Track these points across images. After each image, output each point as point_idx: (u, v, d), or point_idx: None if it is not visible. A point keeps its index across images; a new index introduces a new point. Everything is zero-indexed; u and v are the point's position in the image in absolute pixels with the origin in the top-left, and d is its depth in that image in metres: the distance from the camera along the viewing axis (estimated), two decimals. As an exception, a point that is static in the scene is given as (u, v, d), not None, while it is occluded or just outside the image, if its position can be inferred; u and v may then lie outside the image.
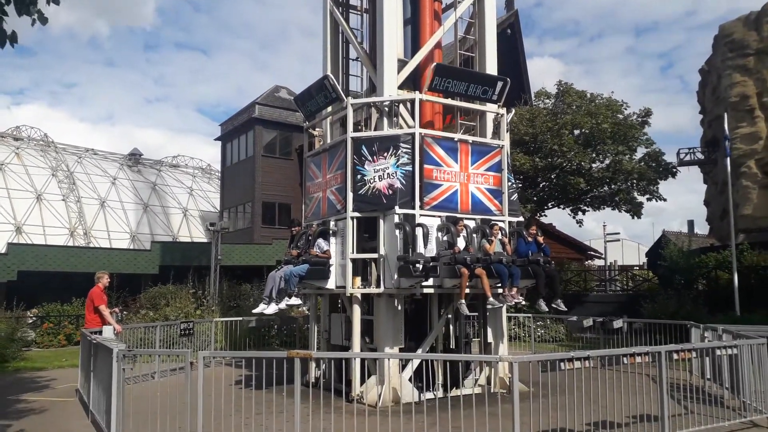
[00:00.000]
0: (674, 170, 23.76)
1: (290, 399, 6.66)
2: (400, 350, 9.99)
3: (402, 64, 11.00)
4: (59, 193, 33.72)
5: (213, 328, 14.67)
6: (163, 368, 11.65)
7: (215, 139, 35.30)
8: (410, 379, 9.85)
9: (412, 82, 11.32)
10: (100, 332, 9.70)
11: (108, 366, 7.27)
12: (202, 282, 20.14)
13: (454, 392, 9.89)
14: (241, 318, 15.19)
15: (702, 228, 43.24)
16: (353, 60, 12.72)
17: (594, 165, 23.04)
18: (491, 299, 9.76)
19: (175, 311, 17.06)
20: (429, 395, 9.53)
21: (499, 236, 10.22)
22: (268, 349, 14.42)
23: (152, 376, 11.19)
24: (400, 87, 10.85)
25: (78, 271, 22.76)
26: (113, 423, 6.96)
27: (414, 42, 11.54)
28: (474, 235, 10.24)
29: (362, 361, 10.04)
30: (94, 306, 10.63)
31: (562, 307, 10.84)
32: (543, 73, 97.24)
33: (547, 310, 11.14)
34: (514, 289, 9.96)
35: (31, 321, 18.32)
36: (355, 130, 10.78)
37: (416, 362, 9.84)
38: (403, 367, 9.94)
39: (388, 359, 9.46)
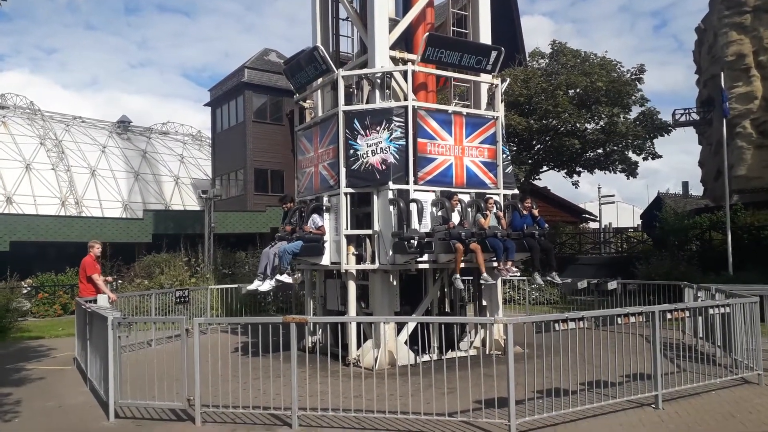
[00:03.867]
0: (669, 128, 23.70)
1: (287, 364, 6.68)
2: (396, 314, 10.02)
3: (393, 23, 10.76)
4: (48, 163, 33.31)
5: (208, 296, 14.69)
6: (159, 336, 11.71)
7: (204, 105, 34.79)
8: (406, 343, 9.92)
9: (404, 42, 11.09)
10: (95, 301, 9.67)
11: (104, 334, 7.27)
12: (196, 250, 20.08)
13: (450, 354, 9.97)
14: (236, 285, 15.20)
15: (696, 189, 43.40)
16: (344, 20, 12.41)
17: (589, 126, 22.92)
18: (484, 275, 9.73)
19: (170, 279, 17.05)
20: (425, 358, 9.62)
21: (494, 210, 10.15)
22: (265, 315, 14.48)
23: (149, 344, 11.24)
24: (392, 47, 10.62)
25: (70, 241, 22.65)
26: (111, 390, 7.00)
27: (405, 0, 11.24)
28: (469, 210, 10.16)
29: (358, 325, 10.09)
30: (86, 275, 10.57)
31: (557, 280, 10.88)
32: (534, 32, 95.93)
33: (541, 283, 11.23)
34: (509, 263, 9.94)
35: (26, 291, 18.28)
36: (347, 94, 10.57)
37: (412, 326, 9.89)
38: (399, 330, 9.99)
39: (384, 323, 9.50)
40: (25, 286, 18.70)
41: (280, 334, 6.93)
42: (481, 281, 9.97)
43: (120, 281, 17.37)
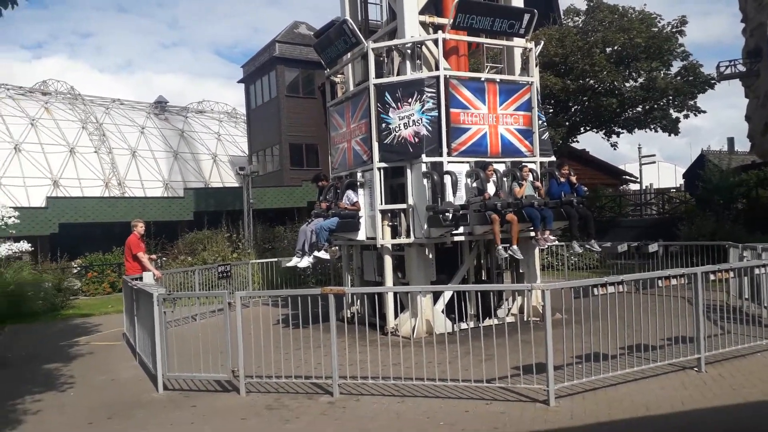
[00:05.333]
0: (713, 82, 22.68)
1: (327, 334, 6.82)
2: (432, 283, 10.06)
3: (423, -13, 10.52)
4: (91, 146, 34.22)
5: (250, 270, 15.02)
6: (203, 310, 12.07)
7: (238, 82, 35.03)
8: (443, 311, 9.97)
9: (433, 6, 10.87)
10: (141, 278, 10.01)
11: (150, 310, 7.53)
12: (236, 226, 20.50)
13: (487, 322, 10.00)
14: (276, 259, 15.49)
15: (742, 145, 41.70)
16: (372, -14, 12.24)
17: (627, 84, 22.15)
18: (514, 247, 9.60)
19: (213, 255, 17.50)
20: (462, 326, 9.67)
21: (530, 178, 9.98)
22: (304, 288, 14.74)
23: (193, 318, 11.59)
24: (421, 12, 10.43)
25: (115, 221, 23.42)
26: (159, 363, 7.29)
27: (434, -37, 10.98)
28: (504, 179, 10.01)
29: (395, 295, 10.18)
30: (132, 254, 10.91)
31: (596, 248, 10.70)
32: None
33: (580, 251, 11.06)
34: (547, 232, 9.82)
35: (75, 271, 19.04)
36: (377, 63, 10.46)
37: (448, 294, 9.92)
38: (436, 299, 10.04)
39: (421, 293, 9.56)
40: (75, 266, 19.48)
41: (319, 305, 7.08)
42: (510, 252, 9.80)
43: (164, 259, 17.91)
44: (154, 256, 12.78)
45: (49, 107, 35.38)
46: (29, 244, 16.74)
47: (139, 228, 11.18)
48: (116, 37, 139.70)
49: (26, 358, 9.74)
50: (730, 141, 44.49)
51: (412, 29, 10.18)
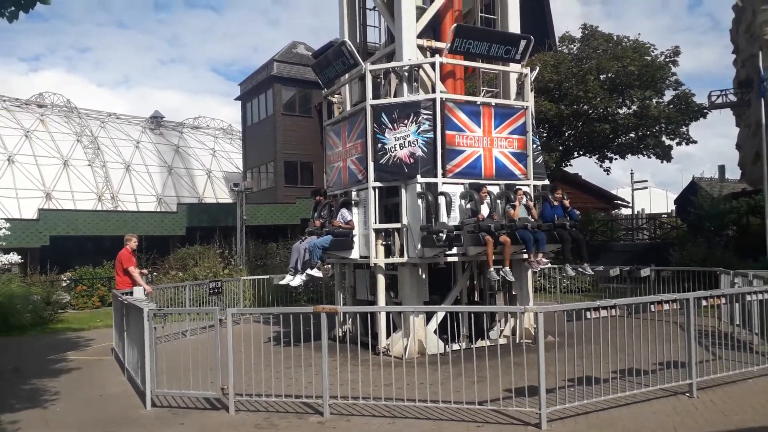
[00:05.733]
0: (705, 112, 22.98)
1: (318, 353, 6.78)
2: (425, 303, 10.04)
3: (421, 11, 10.67)
4: (85, 159, 34.15)
5: (241, 287, 14.94)
6: (193, 326, 11.97)
7: (235, 99, 35.18)
8: (435, 332, 9.93)
9: (431, 30, 11.01)
10: (131, 293, 9.93)
11: (140, 325, 7.47)
12: (229, 242, 20.41)
13: (480, 343, 9.96)
14: (268, 276, 15.42)
15: (733, 173, 42.15)
16: (371, 10, 12.40)
17: (620, 111, 22.41)
18: (506, 269, 9.64)
19: (204, 271, 17.39)
20: (455, 347, 9.63)
21: (524, 201, 10.04)
22: (296, 306, 14.66)
23: (183, 334, 11.49)
24: (419, 36, 10.56)
25: (107, 235, 23.27)
26: (148, 379, 7.20)
27: (432, -12, 11.15)
28: (498, 201, 10.07)
29: (388, 314, 10.14)
30: (123, 268, 10.84)
31: (589, 271, 10.75)
32: (562, 15, 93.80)
33: (573, 274, 11.11)
34: (540, 255, 9.84)
35: (65, 284, 18.85)
36: (374, 85, 10.56)
37: (441, 315, 9.90)
38: (428, 319, 10.00)
39: (414, 313, 9.53)
40: (65, 279, 19.30)
41: (311, 323, 7.04)
42: (501, 273, 9.80)
43: (155, 273, 17.79)
44: (145, 271, 12.70)
45: (44, 119, 35.35)
46: (19, 256, 16.59)
47: (132, 243, 11.13)
48: (115, 52, 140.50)
49: (13, 372, 9.59)
50: (721, 169, 44.98)
51: (410, 52, 10.30)
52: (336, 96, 12.13)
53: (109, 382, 8.73)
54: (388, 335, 10.12)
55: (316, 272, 10.21)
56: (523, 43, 10.48)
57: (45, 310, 15.29)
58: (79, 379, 9.03)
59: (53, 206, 29.80)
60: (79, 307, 18.33)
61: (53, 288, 17.29)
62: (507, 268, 9.65)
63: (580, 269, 10.74)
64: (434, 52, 10.81)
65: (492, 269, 9.56)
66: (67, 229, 23.42)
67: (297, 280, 10.34)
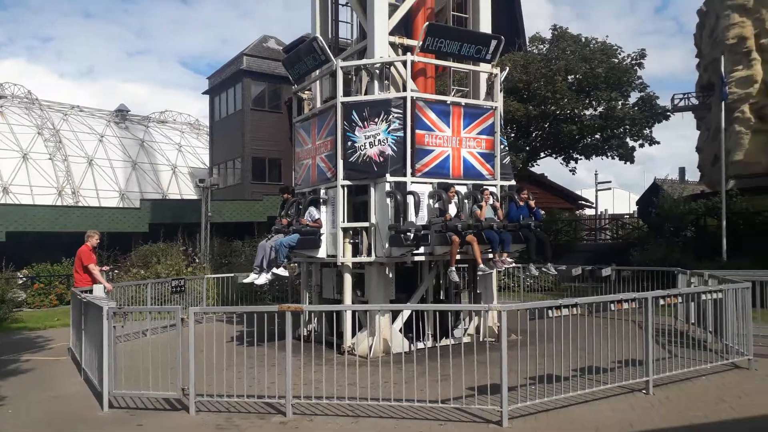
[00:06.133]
0: (668, 114, 23.58)
1: (282, 353, 6.71)
2: (391, 302, 10.05)
3: (393, 8, 10.65)
4: (46, 152, 33.22)
5: (205, 285, 14.72)
6: (154, 325, 11.70)
7: (203, 93, 34.64)
8: (401, 330, 9.95)
9: (403, 28, 11.01)
10: (91, 291, 9.68)
11: (99, 324, 7.28)
12: (193, 239, 20.10)
13: (444, 342, 10.01)
14: (232, 274, 15.23)
15: (693, 175, 43.37)
16: (343, 5, 12.34)
17: (587, 112, 22.82)
18: (482, 266, 9.75)
19: (167, 269, 17.07)
20: (419, 345, 9.66)
21: (491, 201, 10.13)
22: (261, 305, 14.51)
23: (144, 334, 11.22)
24: (392, 33, 10.55)
25: (67, 231, 22.61)
26: (105, 380, 7.02)
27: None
28: (465, 201, 10.13)
29: (353, 313, 10.12)
30: (83, 265, 10.57)
31: (552, 272, 10.91)
32: (532, 15, 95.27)
33: (537, 274, 11.27)
34: (505, 255, 9.95)
35: (21, 282, 18.30)
36: (345, 81, 10.51)
37: (407, 314, 9.92)
38: (394, 318, 10.02)
39: (379, 312, 9.53)
40: (21, 276, 18.72)
41: (275, 323, 6.97)
42: (479, 272, 9.98)
43: (116, 271, 17.39)
44: (105, 268, 12.41)
45: (3, 111, 34.24)
46: (-27, 252, 16.03)
47: (93, 240, 10.87)
48: (79, 42, 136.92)
49: (-37, 373, 9.26)
50: (682, 171, 46.29)
51: (382, 49, 10.28)
52: (306, 92, 12.03)
53: (64, 382, 8.49)
54: (354, 334, 10.09)
55: (281, 271, 10.12)
56: (494, 43, 10.57)
57: (-1, 308, 14.79)
58: (33, 380, 8.75)
59: (10, 201, 28.92)
60: (36, 306, 17.81)
61: (8, 285, 16.72)
62: (482, 265, 9.69)
63: (543, 269, 10.90)
64: (406, 49, 10.81)
65: (453, 269, 9.63)
66: (24, 224, 22.71)
67: (262, 279, 10.23)
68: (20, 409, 7.18)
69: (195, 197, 32.91)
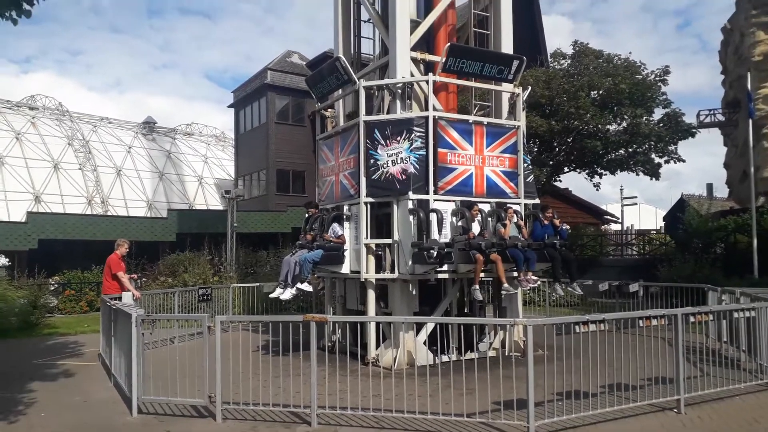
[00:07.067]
0: (693, 131, 23.26)
1: (307, 362, 6.75)
2: (414, 314, 10.03)
3: (415, 24, 10.77)
4: (76, 162, 33.96)
5: (231, 294, 14.87)
6: (181, 333, 11.89)
7: (228, 107, 35.19)
8: (425, 343, 9.93)
9: (425, 44, 11.10)
10: (120, 298, 9.86)
11: (128, 331, 7.41)
12: (219, 249, 20.34)
13: (469, 356, 9.96)
14: (257, 284, 15.36)
15: (721, 191, 42.59)
16: (365, 22, 12.48)
17: (611, 127, 22.63)
18: (506, 285, 9.71)
19: (194, 277, 17.30)
20: (444, 358, 9.63)
21: (515, 219, 10.10)
22: (285, 314, 14.59)
23: (171, 341, 11.40)
24: (413, 48, 10.64)
25: (97, 239, 23.08)
26: (134, 386, 7.14)
27: (427, 1, 11.25)
28: (489, 219, 10.11)
29: (377, 325, 10.12)
30: (111, 273, 10.77)
31: (578, 291, 10.83)
32: (552, 32, 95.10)
33: (562, 293, 11.19)
34: (530, 274, 9.89)
35: (53, 288, 18.68)
36: (368, 96, 10.60)
37: (431, 326, 9.90)
38: (418, 331, 10.00)
39: (403, 324, 9.52)
40: (53, 283, 19.12)
41: (300, 332, 7.01)
42: (503, 292, 9.93)
43: (144, 279, 17.66)
44: (134, 276, 12.62)
45: (35, 122, 35.16)
46: (6, 259, 16.45)
47: (123, 249, 11.08)
48: (107, 56, 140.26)
49: (-4, 376, 9.48)
50: (709, 187, 45.49)
51: (404, 67, 10.36)
52: (329, 110, 12.17)
53: (95, 387, 8.64)
54: (378, 346, 10.10)
55: (306, 286, 10.19)
56: (515, 63, 10.58)
57: (32, 314, 15.12)
58: (64, 384, 8.92)
59: (42, 209, 29.57)
60: (67, 312, 18.15)
61: (41, 292, 17.13)
62: (506, 285, 9.69)
63: (569, 288, 10.82)
64: (428, 64, 10.89)
65: (476, 287, 9.59)
66: (56, 232, 23.22)
67: (287, 294, 10.31)
68: (53, 413, 7.32)
69: (221, 208, 33.32)
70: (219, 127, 57.96)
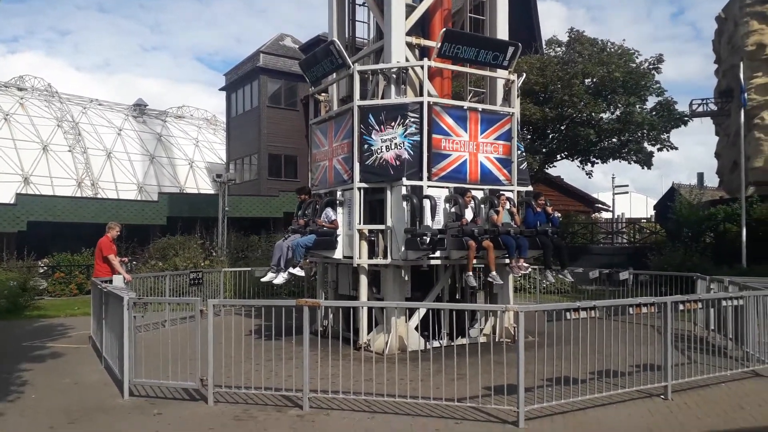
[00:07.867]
0: (686, 119, 23.35)
1: (299, 347, 6.78)
2: (407, 300, 10.07)
3: (410, 9, 10.67)
4: (65, 144, 33.65)
5: (222, 278, 14.85)
6: (173, 317, 11.84)
7: (220, 89, 34.87)
8: (416, 328, 9.98)
9: (420, 29, 11.01)
10: (110, 281, 9.82)
11: (119, 314, 7.39)
12: (210, 233, 20.27)
13: (460, 341, 10.02)
14: (249, 268, 15.34)
15: (711, 181, 42.84)
16: (360, 5, 12.37)
17: (604, 115, 22.66)
18: (493, 273, 9.74)
19: (184, 261, 17.24)
20: (435, 344, 9.69)
21: (507, 206, 10.12)
22: (277, 299, 14.60)
23: (163, 324, 11.36)
24: (408, 33, 10.56)
25: (86, 222, 22.93)
26: (126, 368, 7.13)
27: (423, -15, 11.15)
28: (482, 206, 10.13)
29: (369, 310, 10.16)
30: (102, 255, 10.72)
31: (569, 278, 10.94)
32: (545, 18, 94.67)
33: (553, 280, 11.31)
34: (521, 260, 9.94)
35: (42, 270, 18.57)
36: (362, 80, 10.54)
37: (422, 312, 9.94)
38: (410, 316, 10.05)
39: (395, 309, 9.56)
40: (42, 265, 19.00)
41: (293, 317, 7.02)
42: (489, 278, 9.93)
43: (135, 262, 17.59)
44: (125, 259, 12.56)
45: (24, 103, 34.73)
46: (-5, 241, 16.31)
47: (114, 231, 11.03)
48: (96, 36, 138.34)
49: (-14, 358, 9.44)
50: (700, 176, 45.70)
51: (399, 52, 10.27)
52: (323, 94, 12.08)
53: (85, 370, 8.63)
54: (369, 331, 10.14)
55: (298, 271, 10.18)
56: (510, 49, 10.54)
57: (21, 296, 15.04)
58: (55, 366, 8.91)
59: (31, 191, 29.33)
60: (56, 294, 18.07)
61: (30, 274, 17.03)
62: (494, 273, 9.74)
63: (560, 275, 10.89)
64: (423, 49, 10.82)
65: (470, 274, 9.63)
66: (45, 214, 23.04)
67: (279, 278, 10.30)
68: (44, 395, 7.32)
69: (212, 192, 33.19)
70: (210, 111, 57.51)
